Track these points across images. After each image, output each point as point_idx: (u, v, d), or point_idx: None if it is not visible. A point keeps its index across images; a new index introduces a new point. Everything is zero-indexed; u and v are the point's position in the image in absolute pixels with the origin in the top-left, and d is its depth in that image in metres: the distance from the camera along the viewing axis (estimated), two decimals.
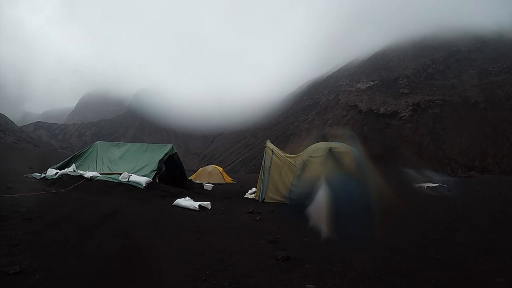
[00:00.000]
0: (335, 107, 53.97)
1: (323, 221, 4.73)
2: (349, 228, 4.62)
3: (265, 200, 8.78)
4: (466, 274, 3.23)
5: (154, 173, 9.67)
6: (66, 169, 10.35)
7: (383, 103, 47.71)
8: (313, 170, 7.76)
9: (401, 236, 4.80)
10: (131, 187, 8.83)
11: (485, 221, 6.10)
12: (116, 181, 9.07)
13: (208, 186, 12.99)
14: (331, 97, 58.17)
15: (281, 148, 10.16)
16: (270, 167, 9.08)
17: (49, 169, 10.75)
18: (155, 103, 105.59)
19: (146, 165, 10.07)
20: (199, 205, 7.03)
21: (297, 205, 6.56)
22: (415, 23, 67.64)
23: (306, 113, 60.36)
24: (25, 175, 11.02)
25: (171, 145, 11.23)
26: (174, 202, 7.34)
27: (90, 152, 11.52)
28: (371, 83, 55.47)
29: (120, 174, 9.33)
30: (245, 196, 10.05)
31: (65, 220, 5.18)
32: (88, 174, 9.45)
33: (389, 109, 46.03)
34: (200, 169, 19.76)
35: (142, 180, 9.04)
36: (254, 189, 10.35)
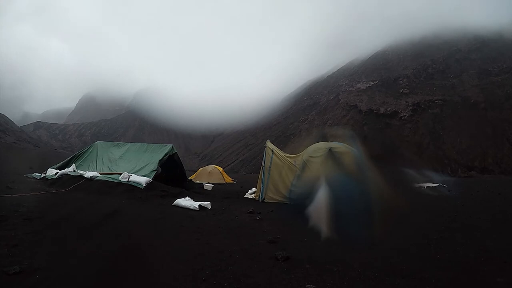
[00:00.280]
0: (335, 107, 53.97)
1: (323, 221, 4.73)
2: (349, 228, 4.62)
3: (265, 200, 8.78)
4: (466, 274, 3.23)
5: (154, 173, 9.67)
6: (66, 169, 10.35)
7: (383, 103, 47.71)
8: (313, 170, 7.76)
9: (401, 236, 4.80)
10: (131, 187, 8.83)
11: (485, 221, 6.10)
12: (116, 181, 9.07)
13: (208, 186, 12.99)
14: (331, 97, 58.18)
15: (281, 148, 10.16)
16: (270, 167, 9.08)
17: (49, 169, 10.75)
18: (155, 103, 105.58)
19: (146, 165, 10.07)
20: (199, 205, 7.03)
21: (297, 205, 6.56)
22: (415, 23, 67.67)
23: (306, 113, 60.37)
24: (25, 175, 11.02)
25: (171, 145, 11.23)
26: (174, 202, 7.34)
27: (90, 152, 11.52)
28: (371, 83, 55.47)
29: (120, 174, 9.33)
30: (245, 196, 10.05)
31: (65, 220, 5.18)
32: (88, 174, 9.45)
33: (389, 109, 46.03)
34: (200, 169, 19.75)
35: (142, 180, 9.03)
36: (254, 189, 10.35)
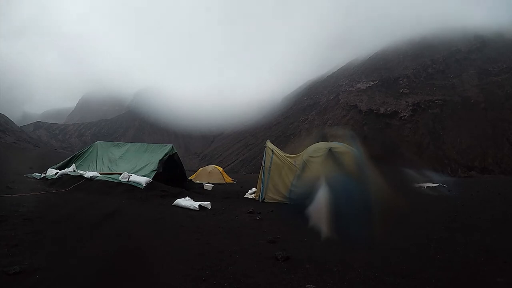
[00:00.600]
0: (335, 107, 53.97)
1: (323, 221, 4.73)
2: (349, 228, 4.62)
3: (265, 200, 8.78)
4: (466, 274, 3.23)
5: (154, 173, 9.67)
6: (66, 169, 10.35)
7: (383, 103, 47.71)
8: (313, 170, 7.76)
9: (401, 236, 4.80)
10: (131, 187, 8.83)
11: (485, 221, 6.10)
12: (116, 181, 9.07)
13: (208, 186, 12.99)
14: (331, 97, 58.18)
15: (281, 148, 10.17)
16: (270, 167, 9.08)
17: (49, 169, 10.75)
18: (155, 103, 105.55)
19: (146, 165, 10.07)
20: (199, 205, 7.03)
21: (297, 205, 6.57)
22: (415, 23, 67.70)
23: (306, 113, 60.37)
24: (25, 175, 11.02)
25: (171, 145, 11.23)
26: (174, 202, 7.34)
27: (90, 152, 11.52)
28: (371, 83, 55.46)
29: (120, 174, 9.33)
30: (245, 196, 10.05)
31: (65, 220, 5.18)
32: (88, 174, 9.45)
33: (389, 109, 46.03)
34: (200, 169, 19.75)
35: (142, 180, 9.04)
36: (254, 189, 10.35)
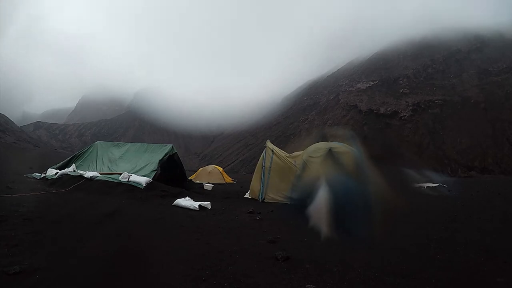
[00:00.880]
0: (335, 107, 53.97)
1: (323, 221, 4.72)
2: (349, 228, 4.62)
3: (265, 200, 8.78)
4: (466, 274, 3.23)
5: (154, 173, 9.67)
6: (66, 169, 10.35)
7: (383, 103, 47.70)
8: (313, 170, 7.75)
9: (401, 236, 4.80)
10: (131, 187, 8.83)
11: (485, 221, 6.10)
12: (116, 181, 9.07)
13: (208, 186, 13.00)
14: (331, 97, 58.17)
15: (281, 148, 10.16)
16: (270, 167, 9.08)
17: (49, 169, 10.76)
18: (155, 103, 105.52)
19: (146, 165, 10.07)
20: (199, 205, 7.03)
21: (297, 205, 6.56)
22: (415, 23, 67.63)
23: (306, 113, 60.35)
24: (25, 175, 11.02)
25: (171, 145, 11.24)
26: (174, 202, 7.34)
27: (90, 152, 11.52)
28: (371, 83, 55.46)
29: (120, 174, 9.33)
30: (245, 196, 10.05)
31: (65, 220, 5.18)
32: (88, 174, 9.45)
33: (389, 109, 46.02)
34: (200, 169, 19.75)
35: (142, 180, 9.04)
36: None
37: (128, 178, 9.05)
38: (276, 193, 8.81)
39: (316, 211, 4.98)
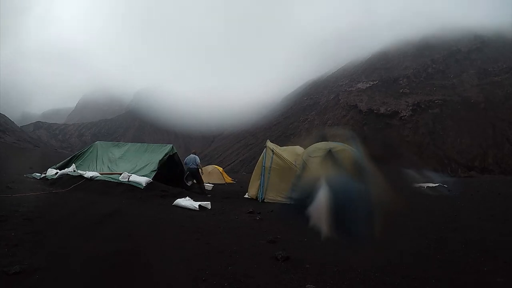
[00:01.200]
0: (335, 107, 53.94)
1: (323, 221, 4.72)
2: (349, 228, 4.62)
3: (265, 200, 8.78)
4: (466, 274, 3.23)
5: (154, 173, 9.66)
6: (66, 169, 10.35)
7: (383, 103, 47.67)
8: (313, 170, 7.75)
9: (401, 236, 4.80)
10: (131, 187, 8.83)
11: (485, 221, 6.09)
12: (116, 181, 9.07)
13: (208, 186, 12.99)
14: (331, 97, 58.14)
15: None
16: (270, 167, 9.08)
17: (49, 169, 10.76)
18: (155, 103, 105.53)
19: (146, 165, 10.06)
20: (199, 205, 7.03)
21: (297, 205, 6.56)
22: (415, 23, 67.62)
23: (306, 113, 60.32)
24: (25, 175, 11.02)
25: (171, 145, 11.23)
26: (174, 202, 7.34)
27: (90, 152, 11.52)
28: (371, 83, 55.44)
29: (120, 174, 9.33)
30: (245, 196, 10.05)
31: (65, 220, 5.18)
32: (88, 174, 9.45)
33: (389, 109, 45.99)
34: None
35: (142, 180, 9.04)
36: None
37: (128, 178, 9.05)
38: (276, 193, 8.81)
39: (316, 211, 4.98)
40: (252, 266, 3.34)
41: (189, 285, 2.81)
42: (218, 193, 11.08)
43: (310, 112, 59.76)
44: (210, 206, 7.24)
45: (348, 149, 7.67)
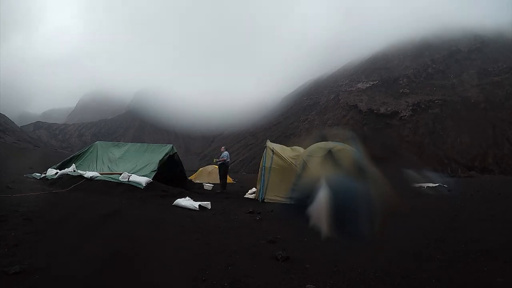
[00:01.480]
0: (335, 107, 53.93)
1: (323, 221, 4.73)
2: (349, 228, 4.62)
3: (265, 200, 8.78)
4: (466, 274, 3.23)
5: (154, 173, 9.67)
6: (66, 169, 10.35)
7: (383, 103, 47.67)
8: (313, 170, 7.75)
9: (401, 236, 4.80)
10: (131, 187, 8.83)
11: (485, 221, 6.09)
12: (116, 181, 9.07)
13: (208, 186, 13.00)
14: (331, 97, 58.14)
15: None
16: (270, 167, 9.08)
17: (49, 169, 10.76)
18: (155, 103, 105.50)
19: (146, 165, 10.07)
20: (199, 205, 7.03)
21: (297, 205, 6.56)
22: (415, 23, 67.59)
23: (306, 113, 60.32)
24: (25, 175, 11.02)
25: (171, 145, 11.24)
26: (174, 202, 7.34)
27: (90, 152, 11.52)
28: (371, 83, 55.45)
29: (120, 174, 9.33)
30: (245, 196, 10.05)
31: (65, 220, 5.18)
32: (88, 174, 9.45)
33: (389, 109, 45.99)
34: (200, 169, 19.78)
35: (142, 180, 9.04)
36: (254, 189, 10.33)
37: (128, 178, 9.05)
38: (276, 193, 8.80)
39: (316, 211, 4.98)
40: (252, 266, 3.34)
41: (189, 285, 2.81)
42: (218, 193, 11.08)
43: (310, 112, 59.76)
44: (210, 206, 7.24)
45: (348, 149, 7.68)
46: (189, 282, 2.87)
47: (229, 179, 19.07)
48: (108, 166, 10.53)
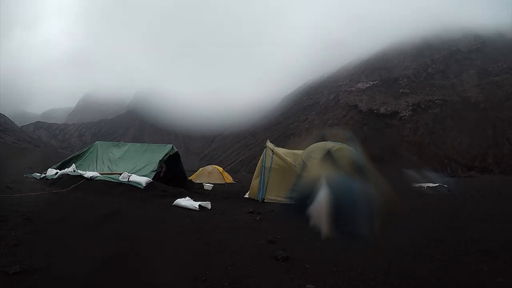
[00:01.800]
0: (335, 107, 53.93)
1: (323, 221, 4.72)
2: (349, 228, 4.62)
3: (265, 200, 8.78)
4: (466, 274, 3.23)
5: (154, 173, 9.67)
6: (66, 169, 10.34)
7: (383, 103, 47.67)
8: (313, 170, 7.74)
9: (401, 236, 4.80)
10: (131, 187, 8.83)
11: (485, 221, 6.09)
12: (116, 181, 9.07)
13: (208, 186, 12.99)
14: (331, 97, 58.13)
15: (281, 147, 10.14)
16: (270, 167, 9.08)
17: (49, 169, 10.75)
18: (155, 103, 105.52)
19: (146, 165, 10.07)
20: (199, 205, 7.03)
21: (297, 205, 6.56)
22: (415, 23, 67.58)
23: (306, 113, 60.32)
24: (25, 175, 11.02)
25: (171, 145, 11.23)
26: (174, 202, 7.34)
27: (90, 152, 11.52)
28: (371, 83, 55.46)
29: (120, 174, 9.33)
30: (245, 196, 10.05)
31: (65, 220, 5.18)
32: (88, 174, 9.45)
33: (389, 109, 45.99)
34: (200, 169, 19.76)
35: (142, 180, 9.04)
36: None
37: (128, 178, 9.05)
38: (276, 193, 8.80)
39: (316, 211, 4.98)
40: (252, 266, 3.34)
41: (189, 285, 2.81)
42: (218, 193, 11.08)
43: (310, 112, 59.75)
44: (210, 206, 7.24)
45: (347, 149, 7.67)
46: (189, 282, 2.87)
47: (229, 179, 19.11)
48: (108, 166, 10.53)
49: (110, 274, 3.10)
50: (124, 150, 11.39)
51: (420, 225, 5.72)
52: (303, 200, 5.41)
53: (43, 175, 10.55)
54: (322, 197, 4.97)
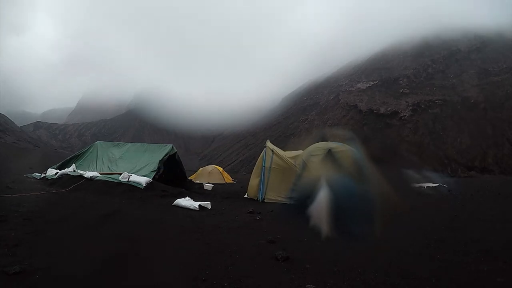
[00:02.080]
0: (335, 107, 53.93)
1: (323, 221, 4.73)
2: (349, 228, 4.62)
3: (265, 200, 8.78)
4: (466, 274, 3.23)
5: (154, 173, 9.66)
6: (66, 169, 10.34)
7: (383, 103, 47.67)
8: (313, 170, 7.75)
9: (401, 236, 4.80)
10: (131, 187, 8.83)
11: (485, 221, 6.10)
12: (116, 181, 9.07)
13: (208, 186, 12.99)
14: (331, 97, 58.13)
15: (281, 148, 10.15)
16: (270, 167, 9.08)
17: (49, 169, 10.75)
18: (155, 103, 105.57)
19: (146, 165, 10.06)
20: (199, 205, 7.03)
21: (297, 205, 6.56)
22: (415, 23, 67.54)
23: (306, 113, 60.31)
24: (25, 175, 11.01)
25: (171, 145, 11.23)
26: (174, 202, 7.34)
27: (90, 152, 11.52)
28: (371, 83, 55.44)
29: (120, 174, 9.33)
30: (245, 196, 10.04)
31: (65, 220, 5.18)
32: (88, 174, 9.45)
33: (389, 109, 45.98)
34: (200, 169, 19.77)
35: (142, 180, 9.03)
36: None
37: (128, 178, 9.05)
38: (276, 193, 8.81)
39: (316, 211, 4.98)
40: (252, 266, 3.34)
41: (189, 285, 2.81)
42: (218, 193, 11.07)
43: (310, 112, 59.75)
44: (210, 206, 7.24)
45: (348, 149, 7.68)
46: (189, 282, 2.87)
47: (229, 179, 19.11)
48: (108, 166, 10.53)
49: (110, 274, 3.10)
50: (124, 150, 11.39)
51: (420, 225, 5.72)
52: (303, 200, 5.42)
53: (43, 175, 10.55)
54: (322, 197, 4.98)
